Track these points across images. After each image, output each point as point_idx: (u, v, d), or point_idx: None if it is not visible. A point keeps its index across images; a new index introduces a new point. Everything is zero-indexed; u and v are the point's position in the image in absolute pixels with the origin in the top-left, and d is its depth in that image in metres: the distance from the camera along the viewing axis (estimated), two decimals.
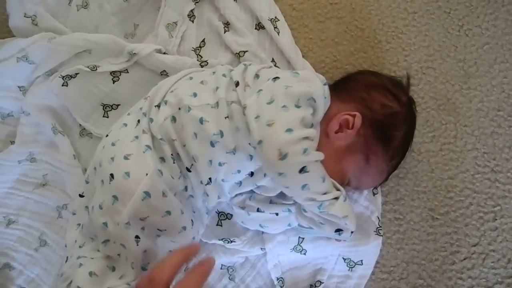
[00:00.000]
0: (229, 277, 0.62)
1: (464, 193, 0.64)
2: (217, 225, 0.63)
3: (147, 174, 0.49)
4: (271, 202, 0.57)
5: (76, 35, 0.64)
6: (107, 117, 0.65)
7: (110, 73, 0.64)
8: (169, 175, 0.52)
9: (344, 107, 0.55)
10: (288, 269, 0.62)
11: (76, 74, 0.63)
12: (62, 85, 0.63)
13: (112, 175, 0.50)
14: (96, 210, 0.51)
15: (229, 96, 0.53)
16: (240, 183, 0.56)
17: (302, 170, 0.47)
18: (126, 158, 0.50)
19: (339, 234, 0.52)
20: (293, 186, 0.49)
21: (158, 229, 0.51)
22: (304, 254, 0.61)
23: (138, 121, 0.54)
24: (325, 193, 0.50)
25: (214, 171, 0.53)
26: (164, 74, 0.64)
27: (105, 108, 0.65)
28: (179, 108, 0.53)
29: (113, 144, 0.52)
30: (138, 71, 0.65)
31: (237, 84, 0.54)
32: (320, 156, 0.49)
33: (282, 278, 0.61)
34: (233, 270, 0.62)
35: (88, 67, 0.63)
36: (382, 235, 0.61)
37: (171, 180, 0.52)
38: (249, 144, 0.51)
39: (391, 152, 0.55)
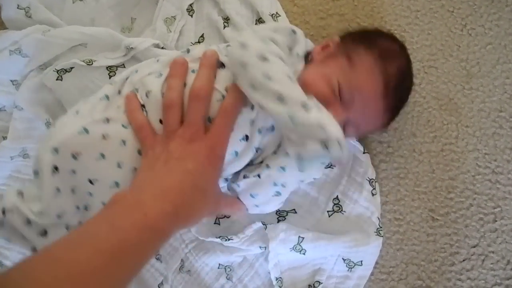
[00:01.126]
0: (226, 277, 0.61)
1: (464, 194, 0.64)
2: (214, 223, 0.62)
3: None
4: (249, 164, 0.56)
5: (72, 28, 0.63)
6: None
7: (107, 68, 0.62)
8: (121, 124, 0.51)
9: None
10: (286, 269, 0.61)
11: (71, 68, 0.62)
12: (57, 79, 0.62)
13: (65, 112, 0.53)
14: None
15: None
16: (236, 153, 0.52)
17: (263, 58, 0.46)
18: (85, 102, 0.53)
19: (327, 148, 0.45)
20: (256, 76, 0.46)
21: (89, 180, 0.50)
22: (304, 254, 0.60)
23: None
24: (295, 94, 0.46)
25: None
26: None
27: None
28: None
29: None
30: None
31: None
32: (282, 54, 0.49)
33: (280, 278, 0.60)
34: (230, 270, 0.62)
35: (83, 61, 0.61)
36: (382, 236, 0.60)
37: (122, 130, 0.50)
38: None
39: (375, 49, 0.53)
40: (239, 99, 0.49)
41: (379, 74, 0.53)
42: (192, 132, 0.47)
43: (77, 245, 0.37)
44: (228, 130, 0.49)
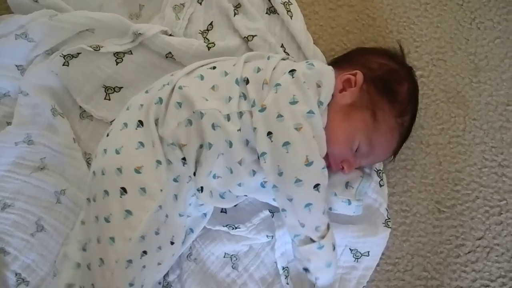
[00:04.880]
0: (232, 266, 0.61)
1: (471, 186, 0.64)
2: (221, 212, 0.62)
3: (161, 190, 0.51)
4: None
5: (80, 13, 0.62)
6: (109, 99, 0.63)
7: (114, 54, 0.62)
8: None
9: (345, 71, 0.56)
10: (293, 258, 0.61)
11: (78, 53, 0.61)
12: (63, 65, 0.61)
13: (124, 189, 0.50)
14: (102, 223, 0.50)
15: (240, 106, 0.52)
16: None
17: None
18: (137, 171, 0.50)
19: None
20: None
21: (158, 247, 0.52)
22: None
23: (140, 122, 0.53)
24: None
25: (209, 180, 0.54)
26: (169, 56, 0.63)
27: (107, 90, 0.63)
28: (194, 112, 0.51)
29: (117, 152, 0.52)
30: (143, 52, 0.63)
31: (247, 81, 0.52)
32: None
33: (287, 267, 0.60)
34: (236, 259, 0.61)
35: (91, 46, 0.61)
36: (390, 227, 0.60)
37: (177, 185, 0.53)
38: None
39: (398, 106, 0.55)
40: None
41: (398, 135, 0.56)
42: None
43: None
44: None
